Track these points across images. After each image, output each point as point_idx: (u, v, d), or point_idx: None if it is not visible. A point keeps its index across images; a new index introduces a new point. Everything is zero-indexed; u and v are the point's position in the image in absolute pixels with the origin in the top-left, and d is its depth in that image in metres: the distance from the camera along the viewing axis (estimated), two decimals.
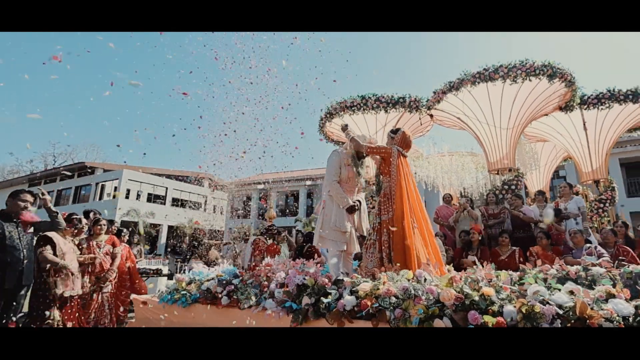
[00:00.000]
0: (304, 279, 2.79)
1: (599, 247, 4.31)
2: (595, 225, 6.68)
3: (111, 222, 5.14)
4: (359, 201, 3.56)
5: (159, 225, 25.21)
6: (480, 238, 5.22)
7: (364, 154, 3.57)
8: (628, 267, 2.86)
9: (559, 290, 2.17)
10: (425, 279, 2.41)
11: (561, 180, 15.69)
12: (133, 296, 3.60)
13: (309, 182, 25.32)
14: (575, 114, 7.00)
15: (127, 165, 26.08)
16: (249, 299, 2.80)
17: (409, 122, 8.15)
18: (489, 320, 1.96)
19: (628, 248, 4.36)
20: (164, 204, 27.00)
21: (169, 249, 8.16)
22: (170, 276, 8.16)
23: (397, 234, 3.04)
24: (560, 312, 1.87)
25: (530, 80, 5.85)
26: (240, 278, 3.12)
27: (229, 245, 10.25)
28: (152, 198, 26.27)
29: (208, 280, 3.23)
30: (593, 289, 2.20)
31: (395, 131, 3.57)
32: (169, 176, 29.67)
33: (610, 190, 6.88)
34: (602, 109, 6.56)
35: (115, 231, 4.82)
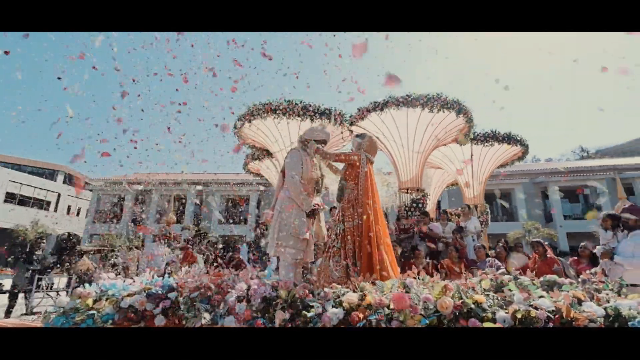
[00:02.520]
0: (273, 289, 2.35)
1: (496, 261, 5.04)
2: None
3: None
4: (318, 204, 3.30)
5: None
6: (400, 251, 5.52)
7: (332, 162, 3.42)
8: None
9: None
10: (414, 288, 2.28)
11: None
12: None
13: (199, 187, 23.40)
14: (465, 147, 8.27)
15: None
16: (200, 317, 2.18)
17: (331, 135, 8.30)
18: (490, 327, 1.94)
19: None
20: None
21: (21, 258, 6.04)
22: (14, 294, 6.12)
23: (365, 243, 2.90)
24: (551, 316, 1.97)
25: (444, 112, 6.64)
26: (179, 291, 2.44)
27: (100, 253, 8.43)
28: None
29: (130, 295, 2.42)
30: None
31: (361, 136, 3.47)
32: (6, 164, 23.32)
33: (485, 214, 8.28)
34: (486, 145, 7.93)
35: None
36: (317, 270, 3.13)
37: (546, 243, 5.23)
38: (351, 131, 8.26)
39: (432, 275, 5.08)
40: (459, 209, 8.91)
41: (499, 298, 2.25)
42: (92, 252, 7.79)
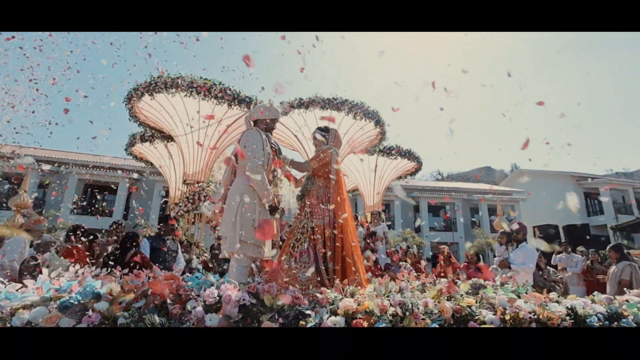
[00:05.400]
0: (250, 295, 1.85)
1: (408, 264, 5.44)
2: None
3: None
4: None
5: None
6: None
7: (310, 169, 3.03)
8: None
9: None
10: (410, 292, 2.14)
11: None
12: None
13: (47, 166, 18.59)
14: (372, 158, 8.84)
15: None
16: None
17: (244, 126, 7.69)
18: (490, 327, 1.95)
19: (419, 266, 5.74)
20: None
21: None
22: None
23: (344, 243, 2.65)
24: (534, 316, 2.10)
25: (366, 121, 6.91)
26: (111, 300, 1.68)
27: None
28: None
29: (25, 308, 1.53)
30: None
31: (326, 129, 3.20)
32: None
33: (381, 221, 8.97)
34: (390, 158, 8.63)
35: None
36: (274, 271, 2.69)
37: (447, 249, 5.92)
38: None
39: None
40: (360, 216, 9.45)
41: (481, 300, 2.30)
42: None
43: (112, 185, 18.85)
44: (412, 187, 19.78)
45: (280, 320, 1.77)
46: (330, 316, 1.84)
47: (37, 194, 17.92)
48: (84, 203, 19.17)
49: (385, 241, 6.80)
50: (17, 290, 1.66)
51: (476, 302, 2.26)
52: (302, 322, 1.74)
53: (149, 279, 2.04)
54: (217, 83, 6.67)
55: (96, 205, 19.11)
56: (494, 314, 2.12)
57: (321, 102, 6.83)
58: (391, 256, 5.68)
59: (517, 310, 2.08)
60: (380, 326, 1.81)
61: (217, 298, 1.79)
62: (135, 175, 18.86)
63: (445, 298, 2.15)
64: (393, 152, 8.52)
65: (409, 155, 8.68)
